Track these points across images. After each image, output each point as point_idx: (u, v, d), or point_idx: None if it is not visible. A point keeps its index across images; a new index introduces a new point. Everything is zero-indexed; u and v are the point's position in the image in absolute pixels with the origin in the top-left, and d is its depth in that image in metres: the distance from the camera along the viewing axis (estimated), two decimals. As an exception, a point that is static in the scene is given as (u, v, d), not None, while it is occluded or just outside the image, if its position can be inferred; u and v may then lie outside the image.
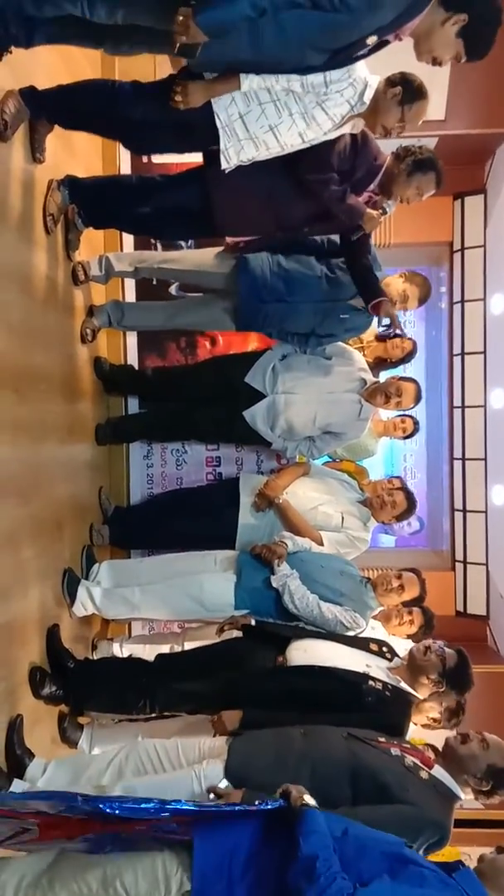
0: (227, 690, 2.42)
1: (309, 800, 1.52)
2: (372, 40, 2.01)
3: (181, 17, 1.89)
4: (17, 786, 2.09)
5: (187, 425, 3.30)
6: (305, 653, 2.47)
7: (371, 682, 2.33)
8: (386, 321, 2.83)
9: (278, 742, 2.14)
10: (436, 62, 2.10)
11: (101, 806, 1.42)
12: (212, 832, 1.50)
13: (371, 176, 2.67)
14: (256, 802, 1.51)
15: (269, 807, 1.51)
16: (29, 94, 2.27)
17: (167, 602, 2.85)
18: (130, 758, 2.25)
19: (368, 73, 2.28)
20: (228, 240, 3.04)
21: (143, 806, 1.43)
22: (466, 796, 2.05)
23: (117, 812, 1.42)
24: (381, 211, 2.66)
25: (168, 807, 1.45)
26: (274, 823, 1.51)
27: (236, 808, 1.51)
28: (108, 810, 1.41)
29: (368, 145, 2.61)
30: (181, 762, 2.20)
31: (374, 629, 2.86)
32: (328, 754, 2.10)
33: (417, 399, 3.20)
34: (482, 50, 2.08)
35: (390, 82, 2.35)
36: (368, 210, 2.65)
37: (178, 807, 1.46)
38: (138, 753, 2.25)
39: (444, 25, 2.00)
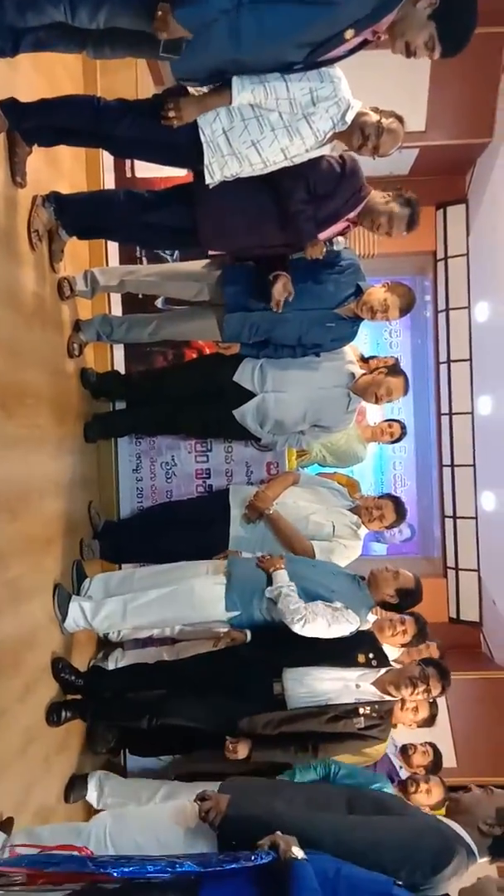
0: (227, 721, 2.59)
1: (297, 852, 1.54)
2: (350, 34, 2.03)
3: (160, 13, 1.91)
4: (19, 837, 1.98)
5: (175, 422, 3.30)
6: (301, 685, 2.59)
7: (361, 710, 2.52)
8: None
9: (272, 782, 2.33)
10: (409, 51, 2.10)
11: (110, 870, 1.44)
12: (217, 885, 1.51)
13: (353, 205, 2.70)
14: (252, 858, 1.53)
15: (262, 861, 1.53)
16: (9, 106, 2.26)
17: (157, 608, 2.85)
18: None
19: (351, 96, 2.32)
20: (211, 253, 3.05)
21: (148, 868, 1.46)
22: (482, 858, 1.97)
23: (124, 875, 1.44)
24: (325, 244, 2.66)
25: (174, 869, 1.48)
26: (266, 874, 1.53)
27: (234, 865, 1.52)
28: (115, 874, 1.44)
29: (356, 175, 2.65)
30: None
31: (368, 621, 2.91)
32: (323, 786, 2.30)
33: (406, 391, 3.19)
34: (455, 36, 2.06)
35: (373, 109, 2.41)
36: (318, 238, 2.65)
37: (183, 869, 1.48)
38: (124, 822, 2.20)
39: (417, 6, 2.02)
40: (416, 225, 2.75)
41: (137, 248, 3.56)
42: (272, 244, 2.73)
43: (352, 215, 2.74)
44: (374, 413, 4.58)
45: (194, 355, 3.54)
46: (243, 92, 2.19)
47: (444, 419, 5.70)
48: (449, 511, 5.72)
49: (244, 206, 2.58)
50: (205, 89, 2.28)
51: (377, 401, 3.14)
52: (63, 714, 2.60)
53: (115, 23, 2.04)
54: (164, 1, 1.91)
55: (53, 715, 2.57)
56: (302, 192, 2.55)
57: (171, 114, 2.22)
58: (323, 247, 2.65)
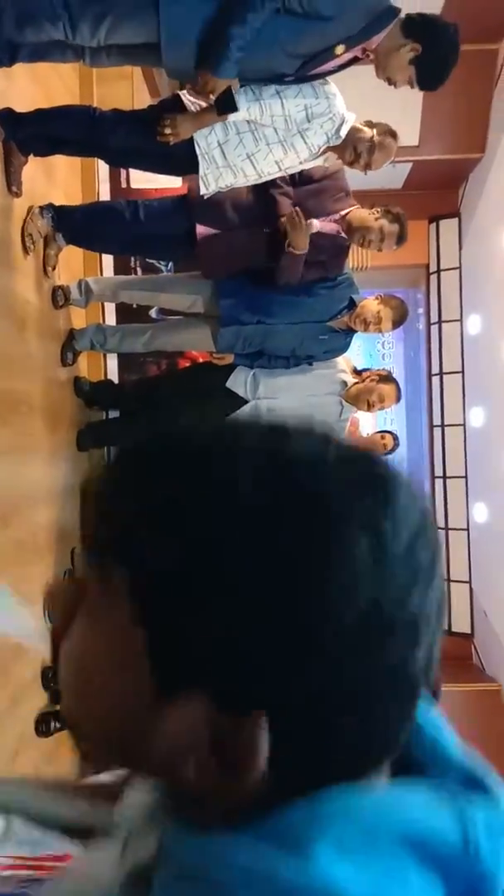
0: None
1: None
2: (340, 49, 2.08)
3: (201, 81, 2.02)
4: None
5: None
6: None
7: None
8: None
9: None
10: (390, 82, 2.19)
11: None
12: None
13: (335, 202, 2.75)
14: None
15: None
16: (5, 116, 2.28)
17: None
18: None
19: (346, 110, 2.36)
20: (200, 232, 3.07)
21: None
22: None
23: None
24: (308, 221, 2.69)
25: None
26: None
27: None
28: None
29: (340, 171, 2.71)
30: None
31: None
32: None
33: (398, 398, 3.23)
34: (430, 82, 2.16)
35: (367, 123, 2.46)
36: (292, 210, 2.69)
37: None
38: None
39: (401, 50, 2.10)
40: (405, 240, 2.79)
41: (132, 258, 3.57)
42: (254, 220, 2.76)
43: (337, 216, 2.78)
44: (367, 424, 4.60)
45: (188, 365, 3.54)
46: (239, 108, 2.22)
47: (437, 431, 5.71)
48: (441, 522, 5.73)
49: (241, 211, 2.66)
50: (201, 103, 2.30)
51: (369, 408, 3.15)
52: (52, 725, 2.58)
53: (115, 38, 2.06)
54: (198, 67, 2.01)
55: (42, 726, 2.54)
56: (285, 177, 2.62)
57: (168, 131, 2.24)
58: (293, 215, 2.67)
